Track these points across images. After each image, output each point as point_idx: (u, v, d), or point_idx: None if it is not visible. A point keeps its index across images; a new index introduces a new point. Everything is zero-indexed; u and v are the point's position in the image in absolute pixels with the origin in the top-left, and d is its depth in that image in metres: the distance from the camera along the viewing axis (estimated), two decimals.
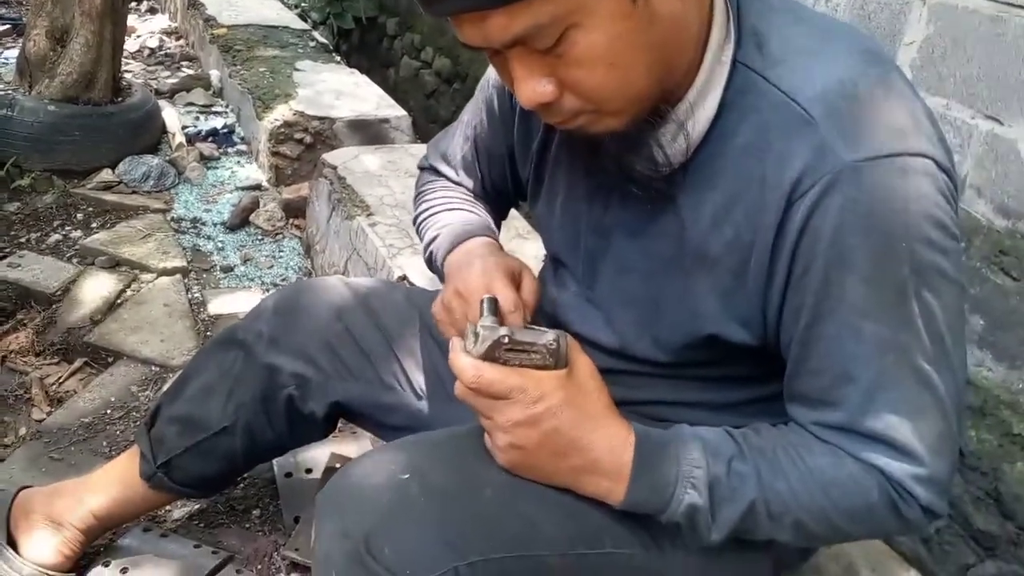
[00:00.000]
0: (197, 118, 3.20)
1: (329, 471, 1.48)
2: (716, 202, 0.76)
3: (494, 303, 0.79)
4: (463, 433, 0.85)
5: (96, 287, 2.05)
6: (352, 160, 2.27)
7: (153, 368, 1.81)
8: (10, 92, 2.56)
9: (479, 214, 1.07)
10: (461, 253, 0.97)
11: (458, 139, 1.10)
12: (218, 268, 2.27)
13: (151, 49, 3.96)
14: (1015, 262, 1.76)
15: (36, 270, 2.07)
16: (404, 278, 1.70)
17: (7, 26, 3.77)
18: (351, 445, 1.58)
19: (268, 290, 2.20)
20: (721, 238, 0.76)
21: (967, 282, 1.78)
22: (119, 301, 2.03)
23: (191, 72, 3.64)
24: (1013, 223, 1.76)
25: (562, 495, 0.79)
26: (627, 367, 0.88)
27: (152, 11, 4.70)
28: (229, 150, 3.01)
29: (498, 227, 1.10)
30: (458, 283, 0.88)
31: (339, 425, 1.35)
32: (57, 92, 2.55)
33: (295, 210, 2.56)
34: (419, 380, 1.12)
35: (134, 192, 2.58)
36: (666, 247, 0.81)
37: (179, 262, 2.22)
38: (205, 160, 2.87)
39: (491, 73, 1.01)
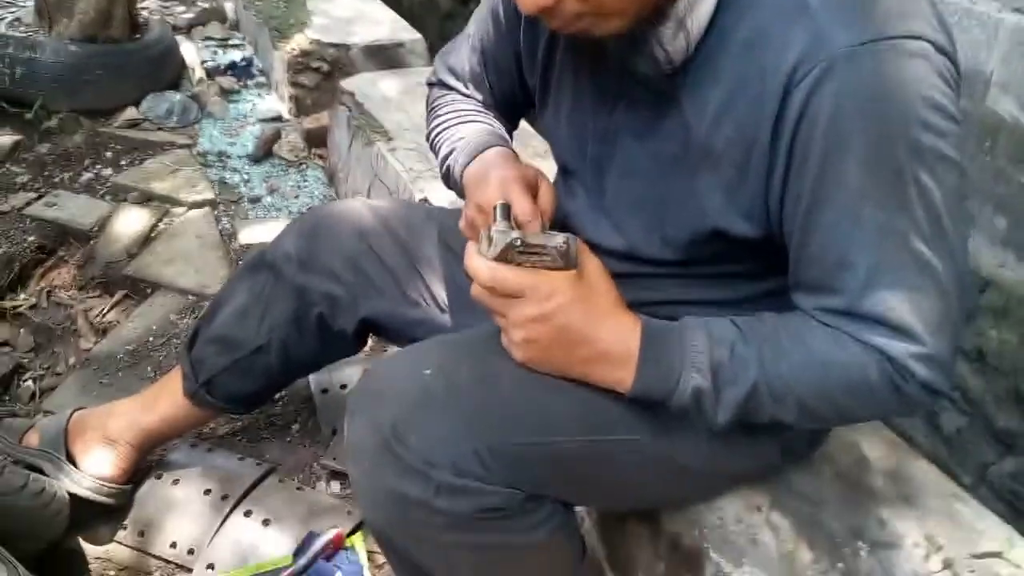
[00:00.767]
0: (215, 52, 3.22)
1: None
2: (718, 98, 0.77)
3: (507, 208, 0.82)
4: (481, 334, 0.90)
5: (130, 222, 2.12)
6: (369, 86, 2.28)
7: (190, 297, 1.87)
8: (31, 34, 2.58)
9: (492, 124, 1.08)
10: (478, 165, 0.98)
11: (465, 51, 1.10)
12: (246, 199, 2.32)
13: None
14: None
15: (72, 208, 2.13)
16: (425, 201, 1.73)
17: None
18: None
19: None
20: (724, 133, 0.77)
21: (967, 163, 1.75)
22: (153, 235, 2.09)
23: (206, 5, 3.62)
24: None
25: (576, 387, 0.84)
26: (637, 269, 0.91)
27: None
28: (249, 82, 3.04)
29: (510, 137, 1.11)
30: (478, 197, 0.90)
31: (370, 343, 1.41)
32: (76, 31, 2.57)
33: (317, 139, 2.58)
34: (441, 295, 1.16)
35: (159, 128, 2.62)
36: (671, 147, 0.83)
37: (208, 195, 2.27)
38: (226, 94, 2.90)
39: None
